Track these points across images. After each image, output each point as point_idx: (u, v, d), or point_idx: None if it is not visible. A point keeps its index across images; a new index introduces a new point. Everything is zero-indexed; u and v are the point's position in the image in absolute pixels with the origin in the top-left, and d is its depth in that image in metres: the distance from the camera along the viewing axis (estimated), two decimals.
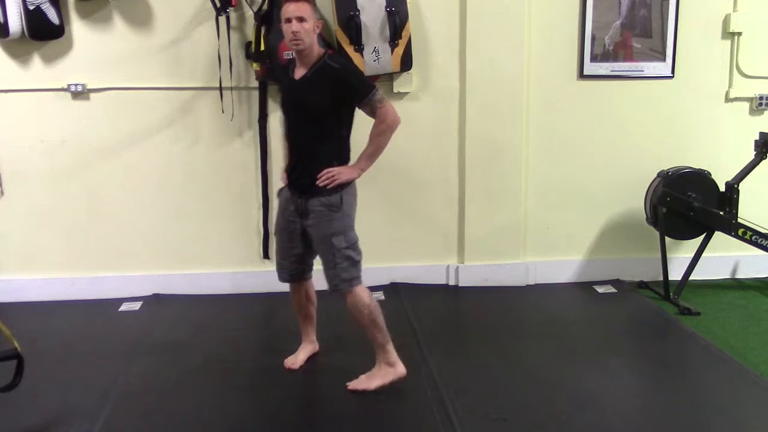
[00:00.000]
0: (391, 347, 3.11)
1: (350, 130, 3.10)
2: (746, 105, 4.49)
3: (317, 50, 3.02)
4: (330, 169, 2.99)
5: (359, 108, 3.03)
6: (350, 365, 3.26)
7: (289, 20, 2.93)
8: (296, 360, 3.34)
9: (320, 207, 3.01)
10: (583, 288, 4.47)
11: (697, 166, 4.26)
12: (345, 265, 3.03)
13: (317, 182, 2.97)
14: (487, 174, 4.35)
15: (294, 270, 3.25)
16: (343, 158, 3.09)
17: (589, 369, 3.33)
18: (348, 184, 3.05)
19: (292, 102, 3.11)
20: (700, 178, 4.22)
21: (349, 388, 3.08)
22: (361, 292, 3.06)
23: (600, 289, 4.43)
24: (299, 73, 3.05)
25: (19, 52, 4.02)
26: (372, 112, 3.01)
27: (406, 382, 3.19)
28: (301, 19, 2.92)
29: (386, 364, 3.10)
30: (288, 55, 3.92)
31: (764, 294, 4.38)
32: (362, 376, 3.12)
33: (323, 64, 2.99)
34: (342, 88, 2.96)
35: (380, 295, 4.28)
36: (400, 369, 3.11)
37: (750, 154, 4.21)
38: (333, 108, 2.98)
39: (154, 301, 4.24)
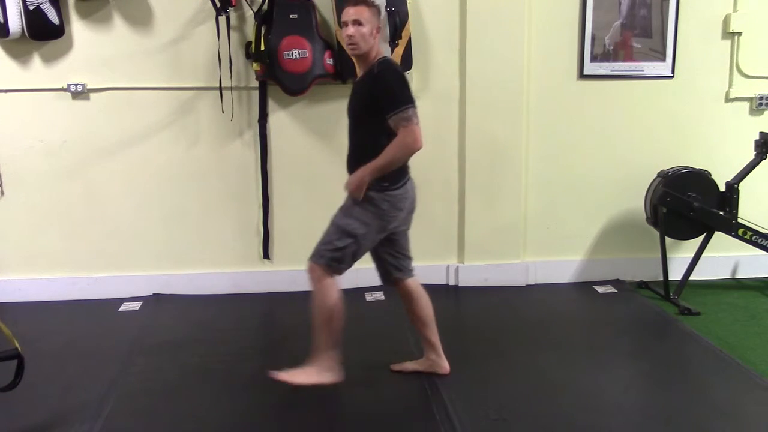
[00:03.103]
0: (332, 354, 3.02)
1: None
2: (746, 105, 4.49)
3: (375, 54, 2.95)
4: (348, 186, 2.95)
5: (388, 121, 2.85)
6: (350, 365, 3.26)
7: (346, 24, 2.90)
8: (402, 366, 3.27)
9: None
10: (583, 288, 4.47)
11: (697, 166, 4.26)
12: (327, 242, 2.97)
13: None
14: (487, 174, 4.36)
15: (379, 271, 3.19)
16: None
17: (589, 369, 3.33)
18: (385, 188, 2.94)
19: (349, 100, 3.09)
20: (700, 178, 4.22)
21: (275, 377, 3.00)
22: (328, 284, 2.96)
23: (600, 289, 4.43)
24: (359, 74, 3.04)
25: (19, 52, 4.02)
26: (395, 128, 2.84)
27: (406, 382, 3.21)
28: (357, 23, 2.88)
29: (319, 367, 3.02)
30: (288, 55, 3.94)
31: (764, 294, 4.38)
32: (292, 370, 3.04)
33: (371, 68, 2.93)
34: (376, 95, 2.88)
35: (380, 295, 4.28)
36: (329, 377, 3.02)
37: (750, 154, 4.21)
38: (372, 114, 2.88)
39: (154, 301, 4.24)
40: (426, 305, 3.20)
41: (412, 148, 2.86)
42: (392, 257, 3.13)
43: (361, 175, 2.89)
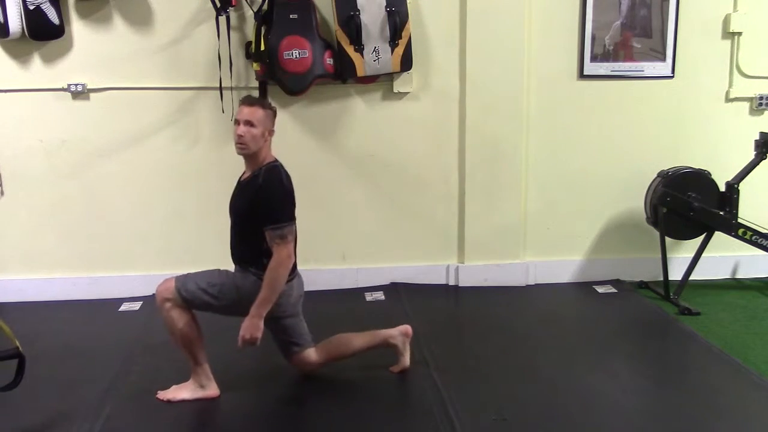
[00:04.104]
0: (202, 370, 3.03)
1: None
2: (746, 105, 4.49)
3: (263, 157, 2.98)
4: (243, 337, 2.88)
5: (264, 232, 2.89)
6: (350, 366, 3.26)
7: (237, 122, 2.93)
8: (400, 366, 3.26)
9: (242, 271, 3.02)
10: (583, 288, 4.47)
11: (697, 166, 4.26)
12: (200, 280, 2.98)
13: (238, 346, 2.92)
14: (487, 174, 4.35)
15: (278, 347, 3.19)
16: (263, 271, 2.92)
17: (589, 369, 3.33)
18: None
19: (231, 199, 3.11)
20: (700, 178, 4.22)
21: (158, 396, 3.03)
22: (177, 317, 2.95)
23: (600, 289, 4.43)
24: (244, 175, 3.06)
25: (19, 52, 4.02)
26: (270, 243, 2.89)
27: (406, 382, 3.21)
28: (249, 124, 2.90)
29: (197, 383, 3.05)
30: (288, 55, 3.94)
31: (764, 294, 4.38)
32: (173, 387, 3.07)
33: (257, 174, 2.96)
34: (256, 204, 2.91)
35: (380, 295, 4.29)
36: (212, 392, 3.05)
37: (750, 154, 4.21)
38: (252, 220, 2.92)
39: (154, 301, 4.22)
40: (345, 341, 3.20)
41: (287, 265, 2.90)
42: (288, 337, 3.11)
43: (253, 323, 2.88)
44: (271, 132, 3.00)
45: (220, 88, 4.06)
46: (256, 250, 2.95)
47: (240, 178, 3.10)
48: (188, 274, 3.03)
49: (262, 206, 2.91)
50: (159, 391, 3.05)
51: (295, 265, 3.04)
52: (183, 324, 2.96)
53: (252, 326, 2.88)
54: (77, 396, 3.07)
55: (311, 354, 3.14)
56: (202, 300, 2.97)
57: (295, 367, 3.19)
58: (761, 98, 4.44)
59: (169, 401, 3.01)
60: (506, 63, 4.25)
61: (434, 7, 4.21)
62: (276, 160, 3.04)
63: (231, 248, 3.10)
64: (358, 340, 3.21)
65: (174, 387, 3.06)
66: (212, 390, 3.05)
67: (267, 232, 2.89)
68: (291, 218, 2.94)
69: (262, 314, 2.89)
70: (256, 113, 2.92)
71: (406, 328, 3.24)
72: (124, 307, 4.15)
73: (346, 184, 4.34)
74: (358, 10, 3.95)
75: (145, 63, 4.09)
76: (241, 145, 2.93)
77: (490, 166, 4.35)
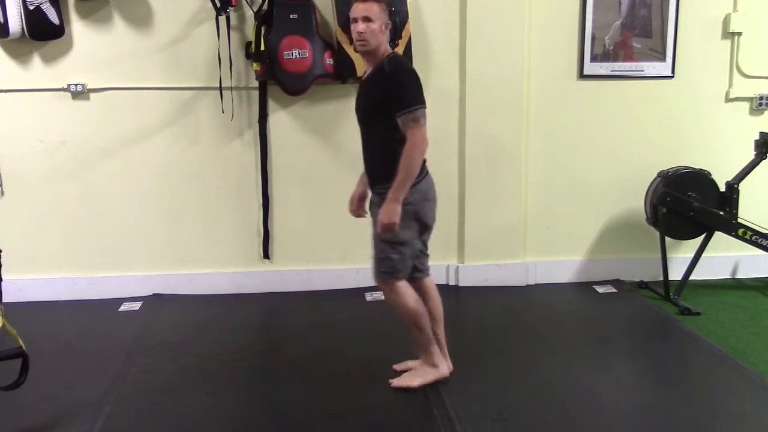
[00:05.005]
0: (434, 349, 3.12)
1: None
2: (746, 105, 4.49)
3: (383, 50, 2.95)
4: (381, 222, 2.89)
5: (397, 119, 2.86)
6: (351, 365, 3.26)
7: (355, 20, 2.90)
8: (405, 365, 3.28)
9: (381, 199, 2.98)
10: (583, 288, 4.47)
11: (697, 166, 4.26)
12: (382, 259, 3.00)
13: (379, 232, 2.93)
14: (487, 174, 4.35)
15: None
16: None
17: (590, 369, 3.33)
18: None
19: (356, 101, 3.10)
20: (700, 178, 4.22)
21: (392, 385, 3.09)
22: (400, 293, 3.02)
23: (600, 289, 4.43)
24: (366, 73, 3.05)
25: (19, 52, 4.02)
26: (403, 128, 2.86)
27: None
28: (367, 20, 2.87)
29: (429, 365, 3.12)
30: (288, 55, 3.94)
31: (764, 294, 4.38)
32: (405, 374, 3.14)
33: (381, 66, 2.93)
34: (386, 92, 2.89)
35: (380, 295, 4.27)
36: (443, 370, 3.14)
37: (750, 154, 4.21)
38: (385, 112, 2.89)
39: (154, 301, 4.24)
40: (438, 303, 3.24)
41: (422, 148, 2.90)
42: (416, 258, 3.12)
43: (390, 207, 2.87)
44: (387, 25, 2.96)
45: (220, 88, 4.06)
46: (391, 152, 2.88)
47: (361, 78, 3.10)
48: (375, 268, 3.05)
49: (393, 92, 2.87)
50: (392, 380, 3.10)
51: (424, 161, 3.00)
52: (412, 302, 3.03)
53: (389, 211, 2.87)
54: (77, 396, 3.07)
55: (428, 282, 3.22)
56: (405, 258, 3.00)
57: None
58: (761, 98, 4.45)
59: (407, 388, 3.06)
60: (506, 63, 4.25)
61: (434, 7, 4.21)
62: (395, 52, 3.00)
63: (367, 166, 3.09)
64: (440, 316, 3.22)
65: (406, 375, 3.12)
66: (444, 369, 3.12)
67: (400, 119, 2.84)
68: (422, 102, 2.89)
69: (399, 198, 2.87)
70: (372, 8, 2.89)
71: (447, 374, 3.20)
72: (124, 307, 4.15)
73: (346, 184, 4.31)
74: None
75: (145, 63, 4.09)
76: (362, 41, 2.90)
77: (490, 166, 4.35)
